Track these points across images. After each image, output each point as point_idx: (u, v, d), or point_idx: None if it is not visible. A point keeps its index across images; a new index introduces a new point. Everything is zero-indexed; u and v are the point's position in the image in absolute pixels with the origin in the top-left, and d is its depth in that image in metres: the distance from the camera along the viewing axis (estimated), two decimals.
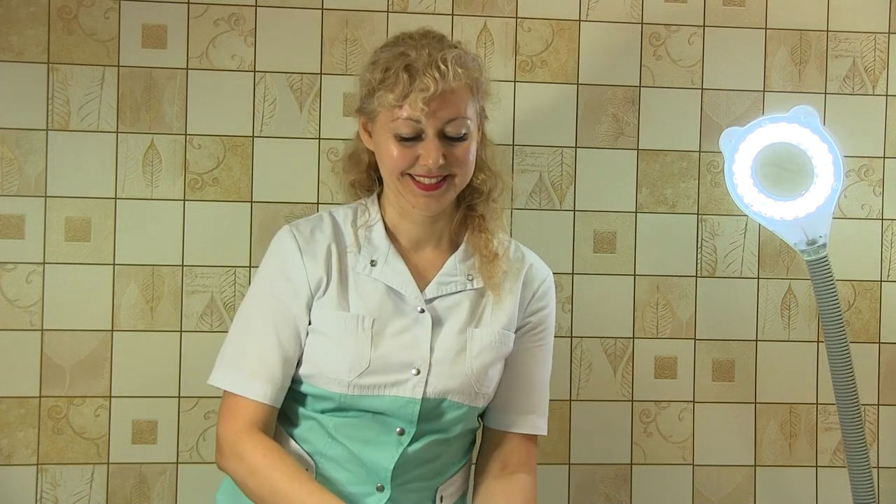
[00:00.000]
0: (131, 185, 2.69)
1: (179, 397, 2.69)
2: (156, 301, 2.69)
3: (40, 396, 2.66)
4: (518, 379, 2.06)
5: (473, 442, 2.15)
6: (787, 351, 2.82)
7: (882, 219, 2.85)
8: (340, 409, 1.98)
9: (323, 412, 2.00)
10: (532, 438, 2.11)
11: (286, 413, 2.04)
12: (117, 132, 2.68)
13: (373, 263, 2.03)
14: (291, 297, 1.99)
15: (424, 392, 1.96)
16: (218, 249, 2.71)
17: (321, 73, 2.73)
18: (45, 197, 2.66)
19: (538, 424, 2.10)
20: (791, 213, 2.50)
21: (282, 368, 1.97)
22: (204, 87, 2.70)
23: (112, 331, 2.67)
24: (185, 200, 2.70)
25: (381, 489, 1.98)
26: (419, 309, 2.01)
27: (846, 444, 2.56)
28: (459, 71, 1.92)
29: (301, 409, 2.02)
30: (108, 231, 2.68)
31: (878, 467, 2.82)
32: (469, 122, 1.95)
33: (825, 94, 2.82)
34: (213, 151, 2.71)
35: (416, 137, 1.94)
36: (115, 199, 2.68)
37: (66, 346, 2.66)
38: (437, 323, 2.01)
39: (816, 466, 2.84)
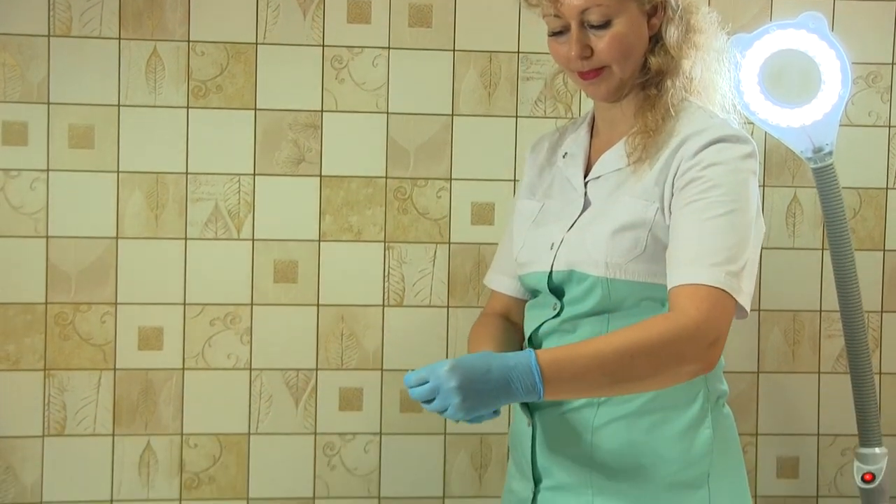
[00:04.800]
0: (134, 92, 2.68)
1: (185, 304, 2.70)
2: (160, 209, 2.69)
3: (46, 303, 2.67)
4: (669, 241, 1.93)
5: None
6: (791, 258, 2.82)
7: (889, 126, 2.83)
8: (531, 293, 2.13)
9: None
10: (684, 289, 1.85)
11: None
12: (119, 39, 2.67)
13: (564, 156, 2.13)
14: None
15: (553, 265, 2.01)
16: (222, 157, 2.71)
17: None
18: (48, 104, 2.65)
19: (674, 277, 1.87)
20: (798, 121, 2.49)
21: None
22: None
23: (117, 238, 2.68)
24: (188, 108, 2.69)
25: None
26: (580, 192, 2.05)
27: (849, 351, 2.57)
28: None
29: None
30: (112, 138, 2.67)
31: (879, 373, 2.83)
32: (607, 7, 1.94)
33: None
34: (216, 58, 2.70)
35: (564, 31, 1.98)
36: (119, 106, 2.67)
37: (72, 253, 2.67)
38: (587, 203, 2.03)
39: (819, 373, 2.86)
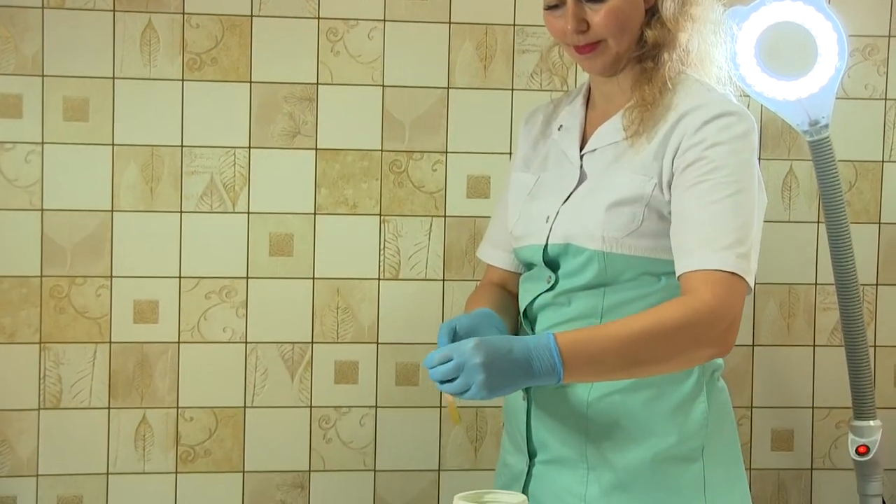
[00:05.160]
0: (129, 65, 2.67)
1: (180, 277, 2.70)
2: (155, 182, 2.69)
3: (41, 276, 2.66)
4: (674, 224, 1.94)
5: None
6: (787, 232, 2.82)
7: (885, 99, 2.83)
8: (526, 266, 2.13)
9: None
10: (696, 275, 1.86)
11: None
12: (114, 10, 2.66)
13: (560, 128, 2.12)
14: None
15: (548, 238, 2.00)
16: (217, 130, 2.70)
17: None
18: (43, 76, 2.64)
19: (685, 263, 1.88)
20: (794, 94, 2.48)
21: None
22: None
23: (112, 211, 2.67)
24: (183, 80, 2.69)
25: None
26: (576, 165, 2.04)
27: (844, 324, 2.58)
28: None
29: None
30: (107, 111, 2.67)
31: (874, 346, 2.84)
32: None
33: None
34: (211, 31, 2.69)
35: (560, 5, 1.96)
36: (113, 78, 2.67)
37: (67, 226, 2.66)
38: (583, 176, 2.02)
39: (814, 346, 2.86)
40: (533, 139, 2.17)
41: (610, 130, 2.01)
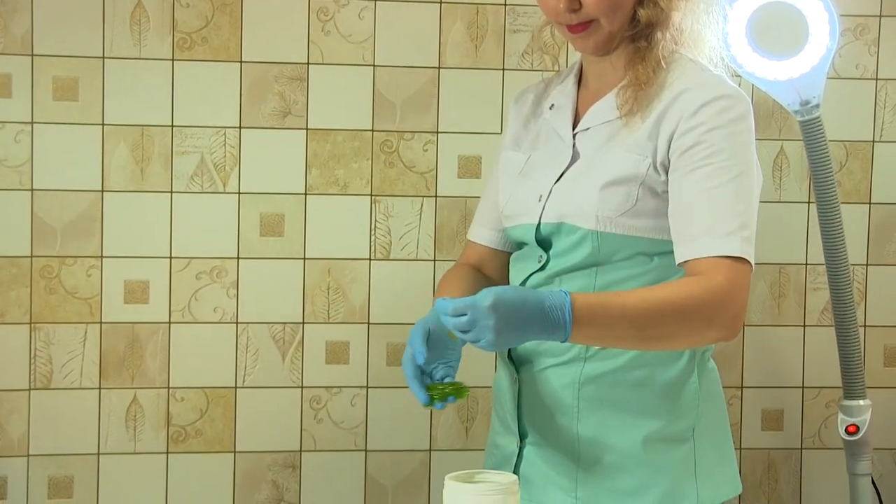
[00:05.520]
0: (119, 44, 2.66)
1: (171, 258, 2.70)
2: (146, 162, 2.68)
3: (32, 256, 2.66)
4: (673, 208, 1.93)
5: None
6: (777, 211, 2.83)
7: (876, 79, 2.83)
8: (516, 245, 2.12)
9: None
10: (705, 261, 1.86)
11: None
12: None
13: (551, 108, 2.11)
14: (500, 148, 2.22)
15: (541, 216, 2.00)
16: (207, 110, 2.70)
17: None
18: (32, 56, 2.63)
19: (690, 249, 1.88)
20: (785, 74, 2.48)
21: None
22: None
23: (102, 191, 2.67)
24: (173, 60, 2.68)
25: None
26: (568, 144, 2.03)
27: (834, 304, 2.58)
28: None
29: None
30: (97, 91, 2.66)
31: (864, 326, 2.85)
32: None
33: None
34: (201, 10, 2.68)
35: None
36: (103, 58, 2.66)
37: (57, 206, 2.66)
38: (575, 155, 2.02)
39: (804, 325, 2.87)
40: (523, 118, 2.17)
41: (604, 109, 2.01)
